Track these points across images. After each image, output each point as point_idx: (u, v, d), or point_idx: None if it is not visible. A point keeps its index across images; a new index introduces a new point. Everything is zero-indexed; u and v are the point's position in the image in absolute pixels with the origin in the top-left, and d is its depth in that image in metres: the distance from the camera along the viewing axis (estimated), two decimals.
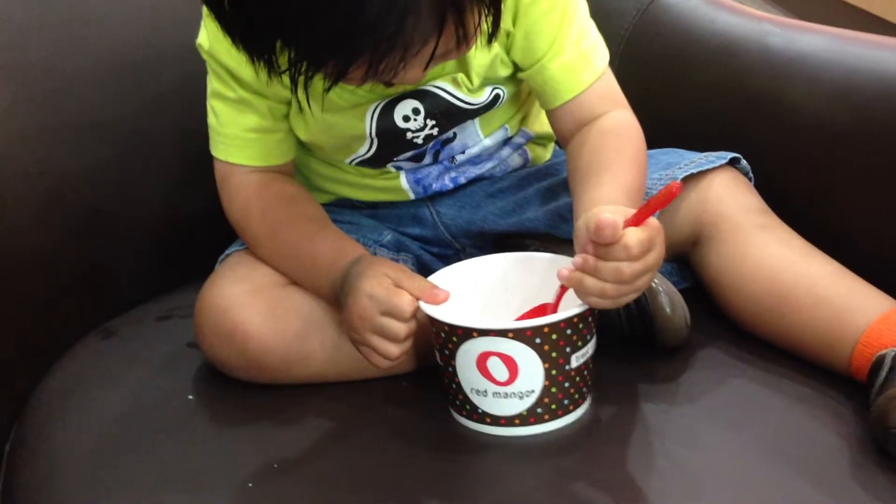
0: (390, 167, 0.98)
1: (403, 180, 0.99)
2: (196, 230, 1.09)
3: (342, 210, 1.01)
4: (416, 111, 0.92)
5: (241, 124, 0.93)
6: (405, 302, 0.81)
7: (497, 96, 0.95)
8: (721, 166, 0.94)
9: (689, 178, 0.93)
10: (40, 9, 1.04)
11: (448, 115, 0.93)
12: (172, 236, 1.09)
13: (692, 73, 1.06)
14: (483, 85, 0.93)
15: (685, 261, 0.96)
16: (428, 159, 0.97)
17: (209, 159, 0.96)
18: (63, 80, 1.03)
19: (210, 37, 0.90)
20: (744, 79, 1.02)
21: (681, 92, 1.08)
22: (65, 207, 1.02)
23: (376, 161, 0.96)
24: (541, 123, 1.04)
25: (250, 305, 0.88)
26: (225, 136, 0.94)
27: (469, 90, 0.92)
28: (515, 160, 1.03)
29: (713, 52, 1.05)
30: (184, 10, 1.04)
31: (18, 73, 1.01)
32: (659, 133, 1.04)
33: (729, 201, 0.92)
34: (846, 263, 0.88)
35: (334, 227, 0.94)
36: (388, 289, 0.82)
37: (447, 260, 0.98)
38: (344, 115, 0.92)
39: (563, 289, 0.81)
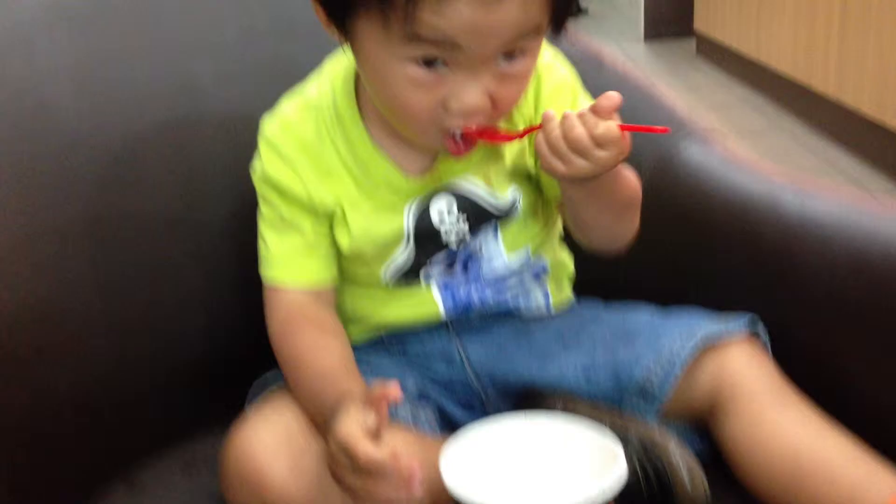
0: (422, 280, 1.01)
1: (434, 290, 1.02)
2: (221, 369, 1.10)
3: (369, 350, 1.03)
4: (449, 207, 0.97)
5: (286, 243, 0.98)
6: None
7: (516, 200, 0.99)
8: (740, 336, 0.97)
9: (708, 349, 0.96)
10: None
11: (475, 215, 0.98)
12: (195, 376, 1.09)
13: (707, 227, 1.07)
14: (508, 181, 0.98)
15: (703, 427, 0.97)
16: (458, 267, 1.01)
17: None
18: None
19: (263, 159, 0.98)
20: (756, 236, 1.03)
21: (696, 244, 1.09)
22: (87, 349, 1.01)
23: (412, 269, 1.00)
24: (553, 251, 1.07)
25: (277, 456, 0.89)
26: (272, 257, 0.99)
27: (496, 185, 0.98)
28: (537, 295, 1.05)
29: (727, 208, 1.06)
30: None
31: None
32: (673, 281, 1.05)
33: (746, 374, 0.94)
34: (849, 426, 0.90)
35: (354, 372, 0.95)
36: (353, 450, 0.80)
37: (471, 410, 1.00)
38: (384, 214, 0.97)
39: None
